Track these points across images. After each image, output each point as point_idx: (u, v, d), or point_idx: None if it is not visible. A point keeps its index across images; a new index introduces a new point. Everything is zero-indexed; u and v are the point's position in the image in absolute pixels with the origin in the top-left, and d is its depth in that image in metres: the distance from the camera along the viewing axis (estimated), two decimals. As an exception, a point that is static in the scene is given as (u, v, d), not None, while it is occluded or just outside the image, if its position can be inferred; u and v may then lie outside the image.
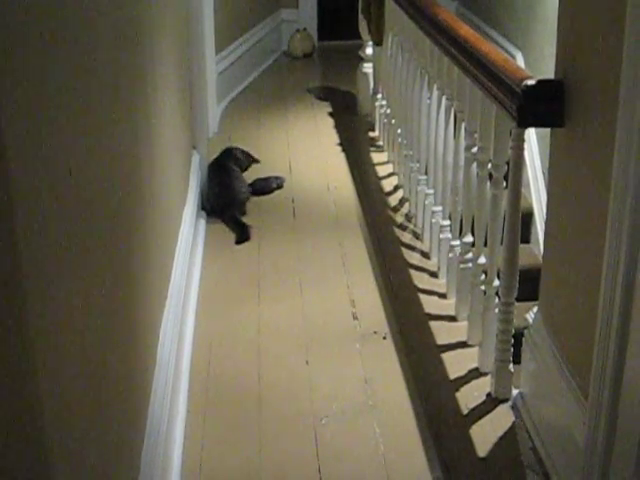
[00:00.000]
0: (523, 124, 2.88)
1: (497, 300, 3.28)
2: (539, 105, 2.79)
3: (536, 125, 3.03)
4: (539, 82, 2.77)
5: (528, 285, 3.30)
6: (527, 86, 2.75)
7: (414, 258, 4.32)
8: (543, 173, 4.93)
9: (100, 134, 1.98)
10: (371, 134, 6.09)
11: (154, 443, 2.45)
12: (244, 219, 4.77)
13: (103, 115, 2.03)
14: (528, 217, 4.92)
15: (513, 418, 3.13)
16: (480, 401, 3.23)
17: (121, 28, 2.36)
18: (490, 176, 3.28)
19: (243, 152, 5.29)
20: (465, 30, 3.56)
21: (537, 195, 4.99)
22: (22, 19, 1.33)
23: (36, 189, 1.38)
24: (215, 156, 5.13)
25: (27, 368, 1.31)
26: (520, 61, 5.57)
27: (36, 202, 1.38)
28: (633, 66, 2.11)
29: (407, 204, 4.86)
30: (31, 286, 1.32)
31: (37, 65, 1.41)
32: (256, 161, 5.41)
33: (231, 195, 4.85)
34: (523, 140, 2.98)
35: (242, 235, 4.60)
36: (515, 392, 3.22)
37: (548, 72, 3.87)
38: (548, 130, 3.04)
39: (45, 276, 1.42)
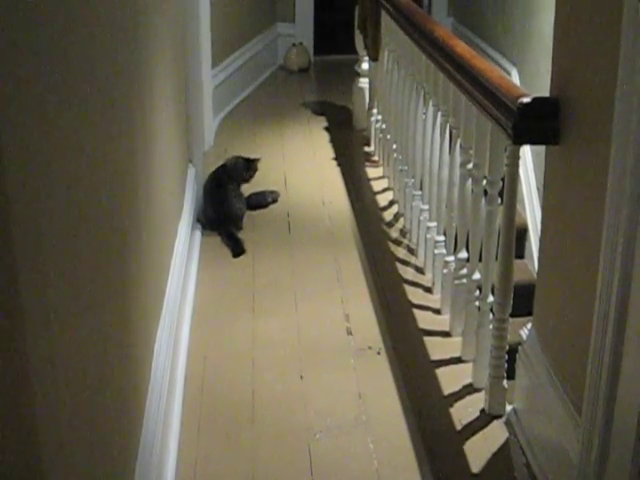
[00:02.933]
0: (518, 141, 2.88)
1: (491, 316, 3.28)
2: (534, 123, 2.80)
3: (531, 142, 3.04)
4: (534, 100, 2.78)
5: (522, 301, 3.31)
6: (522, 104, 2.76)
7: (409, 273, 4.33)
8: (538, 189, 4.95)
9: (97, 148, 1.98)
10: (366, 149, 6.10)
11: (148, 457, 2.45)
12: (240, 234, 4.78)
13: (100, 129, 2.03)
14: (522, 233, 4.94)
15: (507, 434, 3.13)
16: (474, 417, 3.23)
17: (119, 41, 2.37)
18: (485, 192, 3.29)
19: (237, 164, 5.13)
20: (461, 47, 3.57)
21: (532, 211, 5.01)
22: (26, 34, 1.34)
23: (33, 201, 1.39)
24: (213, 170, 5.09)
25: (21, 381, 1.31)
26: (515, 77, 5.60)
27: (33, 215, 1.38)
28: (628, 84, 2.13)
29: (402, 219, 4.87)
30: (26, 298, 1.33)
31: (37, 80, 1.42)
32: (255, 161, 5.16)
33: (228, 211, 4.84)
34: (518, 157, 2.99)
35: (237, 249, 4.61)
36: (509, 408, 3.22)
37: (543, 88, 3.89)
38: (543, 146, 3.05)
39: (40, 289, 1.42)
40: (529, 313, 3.19)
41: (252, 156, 5.18)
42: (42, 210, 1.44)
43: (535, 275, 3.23)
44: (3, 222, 1.23)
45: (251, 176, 5.11)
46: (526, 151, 5.11)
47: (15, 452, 1.29)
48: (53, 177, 1.52)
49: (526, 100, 2.77)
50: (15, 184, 1.27)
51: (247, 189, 5.17)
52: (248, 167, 5.09)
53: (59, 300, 1.55)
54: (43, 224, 1.44)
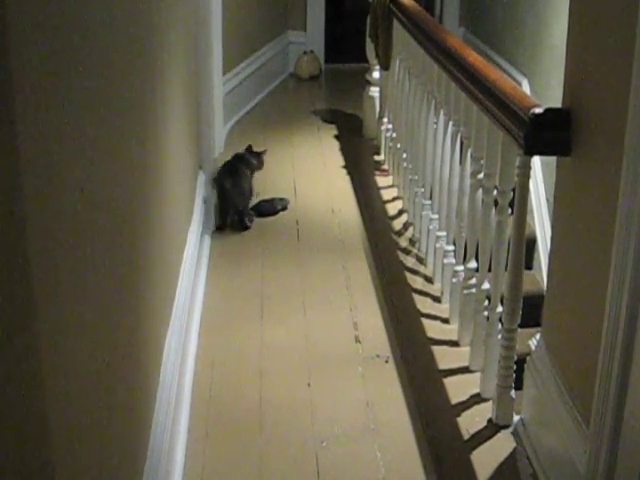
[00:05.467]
0: (530, 152, 2.88)
1: (500, 326, 3.28)
2: (546, 133, 2.79)
3: (543, 153, 3.05)
4: (547, 110, 2.78)
5: (530, 311, 3.31)
6: (535, 114, 2.76)
7: (417, 282, 4.33)
8: (547, 200, 4.95)
9: (110, 154, 1.99)
10: (376, 158, 6.11)
11: (156, 461, 2.45)
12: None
13: (114, 136, 2.04)
14: (531, 243, 4.94)
15: (514, 444, 3.13)
16: (481, 427, 3.23)
17: (133, 48, 2.38)
18: (495, 202, 3.29)
19: (252, 153, 5.34)
20: (473, 57, 3.58)
21: (540, 222, 5.00)
22: (46, 47, 1.35)
23: (48, 206, 1.39)
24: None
25: (34, 384, 1.32)
26: (526, 88, 5.60)
27: (47, 219, 1.39)
28: (640, 97, 2.13)
29: (411, 228, 4.88)
30: (41, 302, 1.33)
31: (55, 91, 1.43)
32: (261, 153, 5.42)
33: (236, 199, 5.04)
34: (529, 168, 2.99)
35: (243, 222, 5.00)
36: (516, 418, 3.22)
37: (554, 99, 3.89)
38: (552, 157, 3.05)
39: (53, 294, 1.43)
40: (536, 324, 3.19)
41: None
42: (56, 215, 1.45)
43: (543, 286, 3.23)
44: (19, 227, 1.23)
45: (261, 163, 5.31)
46: (535, 162, 5.11)
47: (26, 454, 1.29)
48: (67, 182, 1.53)
49: (538, 111, 2.77)
50: (31, 189, 1.28)
51: (257, 196, 5.21)
52: (257, 158, 5.32)
53: (72, 306, 1.56)
54: (57, 230, 1.45)
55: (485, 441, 3.15)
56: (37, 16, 1.32)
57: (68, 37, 1.55)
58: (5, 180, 1.17)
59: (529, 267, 4.96)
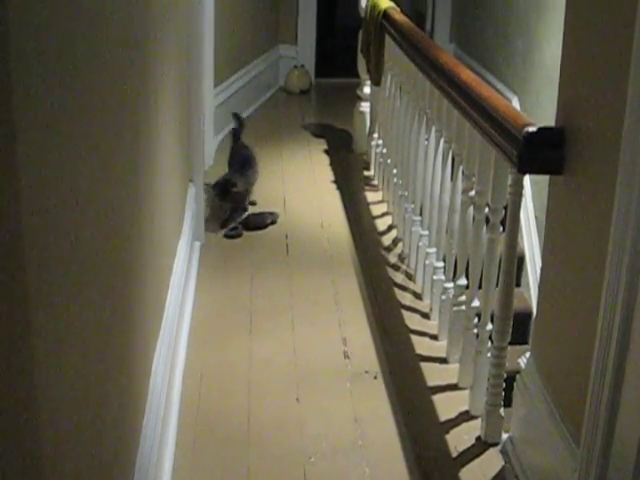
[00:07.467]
0: (523, 170, 2.89)
1: (489, 344, 3.28)
2: (540, 152, 2.80)
3: (536, 172, 3.05)
4: (540, 129, 2.79)
5: (518, 328, 3.31)
6: (528, 133, 2.76)
7: (406, 299, 4.33)
8: (536, 217, 4.96)
9: (103, 167, 1.99)
10: (366, 173, 6.11)
11: (144, 475, 2.44)
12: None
13: (107, 150, 2.03)
14: (519, 261, 4.93)
15: (502, 462, 3.12)
16: (470, 444, 3.22)
17: (125, 61, 2.37)
18: (487, 220, 3.28)
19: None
20: (466, 74, 3.58)
21: (529, 239, 5.01)
22: (38, 60, 1.34)
23: (46, 217, 1.39)
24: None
25: (26, 395, 1.31)
26: (516, 105, 5.61)
27: (45, 229, 1.39)
28: (635, 116, 2.13)
29: (400, 244, 4.88)
30: (33, 315, 1.33)
31: (48, 104, 1.43)
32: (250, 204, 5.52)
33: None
34: (522, 186, 3.00)
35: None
36: (505, 436, 3.21)
37: (544, 117, 3.90)
38: (541, 175, 3.04)
39: (46, 306, 1.42)
40: (524, 341, 3.18)
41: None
42: (51, 228, 1.44)
43: (531, 303, 3.22)
44: (17, 235, 1.23)
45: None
46: (525, 179, 5.11)
47: (15, 465, 1.28)
48: (63, 194, 1.52)
49: (532, 129, 2.77)
50: (27, 202, 1.27)
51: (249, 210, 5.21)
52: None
53: (63, 319, 1.55)
54: (51, 242, 1.44)
55: (473, 459, 3.15)
56: (32, 37, 1.32)
57: (60, 50, 1.54)
58: (1, 194, 1.17)
59: (517, 284, 4.96)
